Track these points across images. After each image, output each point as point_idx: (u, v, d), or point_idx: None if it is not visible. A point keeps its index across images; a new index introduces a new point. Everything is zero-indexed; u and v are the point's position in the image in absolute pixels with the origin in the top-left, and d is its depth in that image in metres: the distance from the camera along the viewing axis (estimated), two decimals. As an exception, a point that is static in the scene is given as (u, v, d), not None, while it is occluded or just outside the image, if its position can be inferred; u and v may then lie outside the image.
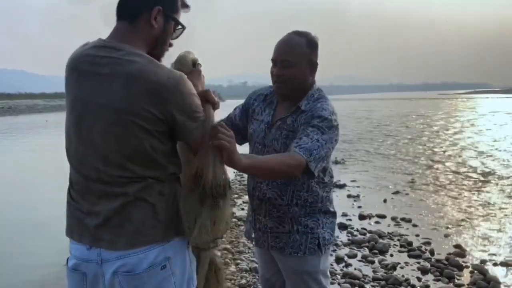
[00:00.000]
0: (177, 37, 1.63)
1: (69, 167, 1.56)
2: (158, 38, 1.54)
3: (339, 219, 6.24)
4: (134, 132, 1.41)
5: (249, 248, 5.10)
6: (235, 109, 2.29)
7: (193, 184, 1.55)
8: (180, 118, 1.46)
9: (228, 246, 5.12)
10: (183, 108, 1.46)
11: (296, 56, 1.98)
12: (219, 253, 1.78)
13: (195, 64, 1.73)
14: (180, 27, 1.61)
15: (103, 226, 1.46)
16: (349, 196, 7.84)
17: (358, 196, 7.84)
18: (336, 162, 11.47)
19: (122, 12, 1.52)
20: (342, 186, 8.57)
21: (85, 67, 1.47)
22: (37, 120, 33.33)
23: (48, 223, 6.11)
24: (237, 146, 2.05)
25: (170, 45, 1.62)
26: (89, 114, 1.45)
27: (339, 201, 7.49)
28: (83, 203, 1.51)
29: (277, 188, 2.02)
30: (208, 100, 1.60)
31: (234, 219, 6.32)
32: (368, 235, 5.61)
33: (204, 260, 1.70)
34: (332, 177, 2.14)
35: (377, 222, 6.27)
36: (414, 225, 6.11)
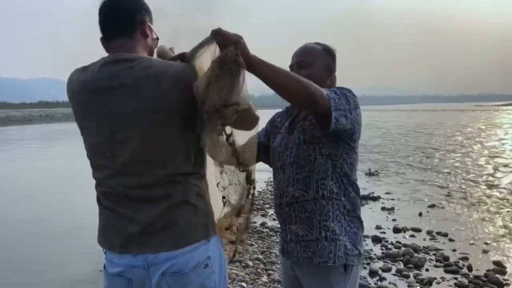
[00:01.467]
0: (156, 47, 1.74)
1: (98, 180, 1.60)
2: (151, 48, 1.67)
3: (374, 232, 6.17)
4: (173, 128, 1.49)
5: (281, 258, 5.06)
6: (262, 129, 2.29)
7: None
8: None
9: (260, 256, 5.11)
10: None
11: (312, 57, 2.00)
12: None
13: (172, 51, 1.75)
14: (156, 37, 1.72)
15: (148, 232, 1.50)
16: (383, 208, 7.71)
17: (392, 208, 7.69)
18: (370, 174, 11.33)
19: (120, 29, 1.59)
20: (376, 198, 8.44)
21: (105, 83, 1.51)
22: (72, 127, 34.25)
23: (81, 226, 6.26)
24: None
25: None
26: (123, 125, 1.49)
27: (373, 214, 7.38)
28: (123, 211, 1.54)
29: (302, 184, 1.97)
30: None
31: (265, 229, 6.30)
32: (403, 248, 5.49)
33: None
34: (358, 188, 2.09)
35: (412, 236, 6.13)
36: (451, 240, 5.95)
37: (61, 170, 13.34)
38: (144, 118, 1.48)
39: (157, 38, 1.72)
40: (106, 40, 1.61)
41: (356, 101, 1.89)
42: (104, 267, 1.62)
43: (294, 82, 1.61)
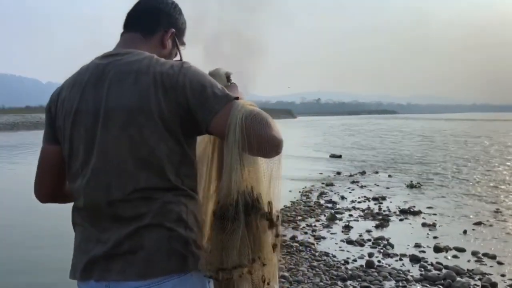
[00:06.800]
0: None
1: (73, 192, 1.39)
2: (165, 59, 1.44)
3: (412, 250, 5.74)
4: (149, 132, 1.27)
5: (308, 278, 4.71)
6: None
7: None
8: (194, 98, 1.28)
9: (286, 274, 4.77)
10: (192, 86, 1.29)
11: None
12: None
13: (228, 78, 1.59)
14: (178, 58, 1.54)
15: (112, 255, 1.28)
16: (424, 224, 7.18)
17: (434, 225, 7.15)
18: (412, 186, 10.76)
19: (137, 23, 1.47)
20: (416, 213, 7.91)
21: (90, 78, 1.36)
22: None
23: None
24: None
25: None
26: (100, 124, 1.31)
27: (412, 230, 6.91)
28: (91, 230, 1.33)
29: None
30: None
31: (295, 244, 5.95)
32: (444, 271, 5.01)
33: None
34: None
35: (455, 257, 5.62)
36: (500, 263, 5.40)
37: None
38: (119, 116, 1.28)
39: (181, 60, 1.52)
40: (121, 35, 1.47)
41: None
42: None
43: None
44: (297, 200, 9.20)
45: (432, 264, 5.27)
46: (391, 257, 5.53)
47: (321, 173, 13.46)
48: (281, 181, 1.36)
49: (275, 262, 1.35)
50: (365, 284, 4.61)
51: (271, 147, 1.26)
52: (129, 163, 1.27)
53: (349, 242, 6.17)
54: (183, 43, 1.57)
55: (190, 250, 1.30)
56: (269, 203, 1.30)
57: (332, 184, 11.19)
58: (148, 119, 1.26)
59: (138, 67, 1.30)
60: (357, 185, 11.15)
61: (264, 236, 1.30)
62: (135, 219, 1.27)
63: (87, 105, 1.33)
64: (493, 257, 5.57)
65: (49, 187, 1.48)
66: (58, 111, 1.39)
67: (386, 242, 6.11)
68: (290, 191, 10.19)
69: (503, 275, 4.98)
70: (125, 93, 1.28)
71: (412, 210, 8.09)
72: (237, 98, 1.30)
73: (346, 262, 5.35)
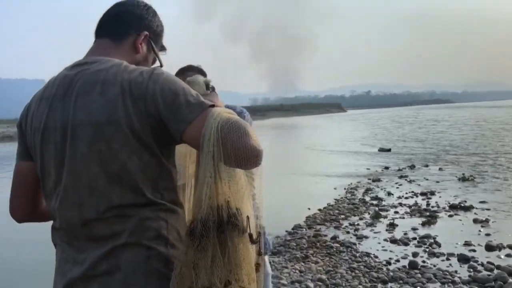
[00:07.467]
0: None
1: (51, 214, 1.34)
2: (139, 65, 1.35)
3: (461, 249, 5.44)
4: (118, 145, 1.21)
5: (346, 280, 4.53)
6: None
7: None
8: (165, 106, 1.20)
9: (324, 277, 4.62)
10: (163, 94, 1.21)
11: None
12: None
13: (208, 85, 1.53)
14: (158, 64, 1.46)
15: (89, 276, 1.23)
16: (475, 220, 6.77)
17: (487, 221, 6.72)
18: (464, 179, 10.23)
19: (107, 28, 1.40)
20: (468, 209, 7.47)
21: (57, 91, 1.29)
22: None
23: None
24: None
25: None
26: (69, 140, 1.25)
27: (462, 227, 6.53)
28: (69, 251, 1.28)
29: None
30: None
31: (335, 244, 5.76)
32: (495, 271, 4.67)
33: None
34: None
35: (508, 256, 5.23)
36: (560, 263, 4.97)
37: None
38: (88, 131, 1.21)
39: (160, 65, 1.46)
40: (93, 43, 1.40)
41: None
42: None
43: None
44: (341, 197, 8.97)
45: (482, 264, 4.92)
46: (437, 257, 5.23)
47: (368, 168, 13.10)
48: (263, 193, 1.25)
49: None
50: (407, 286, 4.38)
51: (249, 157, 1.15)
52: (100, 180, 1.21)
53: (393, 241, 5.91)
54: (163, 48, 1.49)
55: (172, 269, 1.21)
56: (247, 218, 1.19)
57: (379, 180, 10.84)
58: (117, 131, 1.19)
59: (105, 76, 1.23)
60: (406, 179, 10.74)
61: (245, 254, 1.19)
62: (111, 238, 1.21)
63: (55, 120, 1.27)
64: (552, 256, 5.16)
65: (26, 205, 1.43)
66: (28, 127, 1.34)
67: (432, 240, 5.80)
68: (335, 188, 9.99)
69: (562, 276, 4.58)
70: (92, 106, 1.22)
71: (463, 205, 7.67)
72: (213, 106, 1.21)
73: (388, 263, 5.11)
